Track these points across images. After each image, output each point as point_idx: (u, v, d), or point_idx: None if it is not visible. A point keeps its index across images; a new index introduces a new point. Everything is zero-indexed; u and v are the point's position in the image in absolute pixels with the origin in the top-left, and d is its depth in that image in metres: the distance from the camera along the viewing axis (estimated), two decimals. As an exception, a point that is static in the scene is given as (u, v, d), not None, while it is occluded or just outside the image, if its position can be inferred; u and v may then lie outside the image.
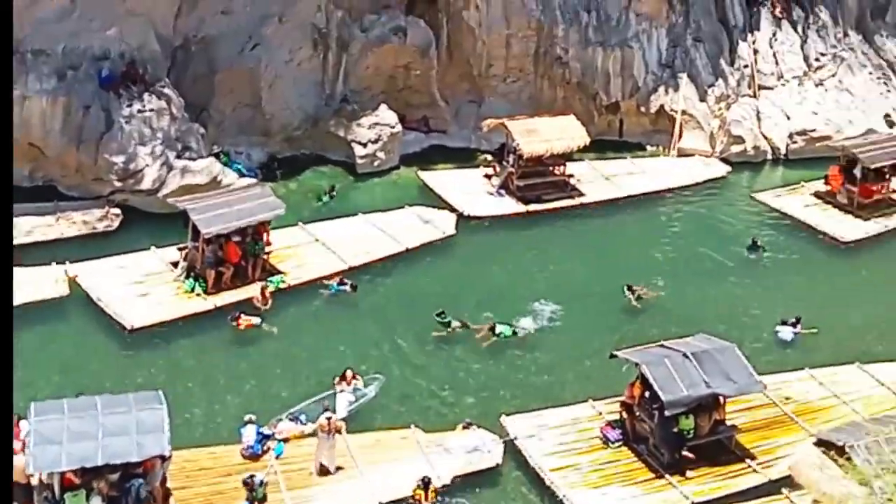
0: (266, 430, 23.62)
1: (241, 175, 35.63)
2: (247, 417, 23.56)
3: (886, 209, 37.65)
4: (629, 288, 30.90)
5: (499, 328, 28.70)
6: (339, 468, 23.18)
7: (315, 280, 30.90)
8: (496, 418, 25.29)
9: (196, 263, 30.03)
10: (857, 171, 37.42)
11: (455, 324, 28.77)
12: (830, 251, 35.49)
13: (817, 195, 38.25)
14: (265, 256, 30.90)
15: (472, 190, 37.41)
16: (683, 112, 41.94)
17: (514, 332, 28.83)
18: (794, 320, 29.96)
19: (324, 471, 23.08)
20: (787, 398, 26.65)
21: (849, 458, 21.56)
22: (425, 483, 22.38)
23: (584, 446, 24.71)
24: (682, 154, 41.81)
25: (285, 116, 38.15)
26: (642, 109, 42.48)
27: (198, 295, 29.33)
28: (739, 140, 41.64)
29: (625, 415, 25.28)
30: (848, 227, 36.31)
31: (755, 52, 43.87)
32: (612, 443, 24.85)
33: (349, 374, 25.81)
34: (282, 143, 38.54)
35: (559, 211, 36.79)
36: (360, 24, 39.37)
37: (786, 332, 29.83)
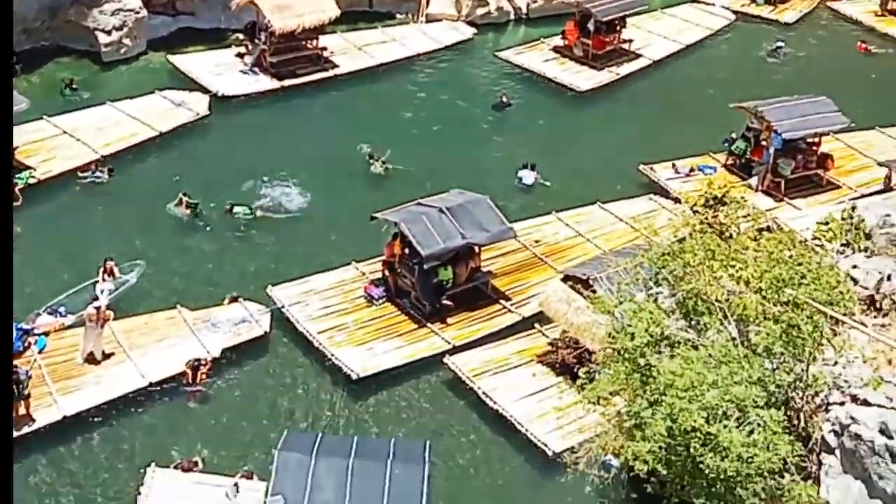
0: (25, 326, 23.23)
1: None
2: (3, 315, 23.06)
3: (618, 59, 39.77)
4: (370, 156, 31.73)
5: (236, 209, 28.88)
6: (107, 355, 23.19)
7: (66, 172, 30.08)
8: (263, 290, 25.75)
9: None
10: (591, 25, 39.24)
11: (193, 202, 28.73)
12: (569, 101, 37.35)
13: (556, 50, 40.02)
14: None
15: (224, 70, 36.89)
16: (429, -22, 42.51)
17: (251, 210, 29.01)
18: (530, 164, 31.77)
19: (91, 359, 23.03)
20: (536, 241, 28.38)
21: (593, 290, 23.22)
22: (195, 367, 22.82)
23: (349, 307, 25.61)
24: (431, 20, 42.53)
25: (21, 9, 36.11)
26: (387, -22, 42.74)
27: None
28: (483, 3, 42.73)
29: (387, 272, 26.29)
30: (583, 78, 38.27)
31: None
32: (376, 300, 25.85)
33: (109, 264, 25.52)
34: (19, 36, 36.51)
35: (314, 84, 36.89)
36: None
37: (528, 177, 31.63)
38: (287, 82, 36.56)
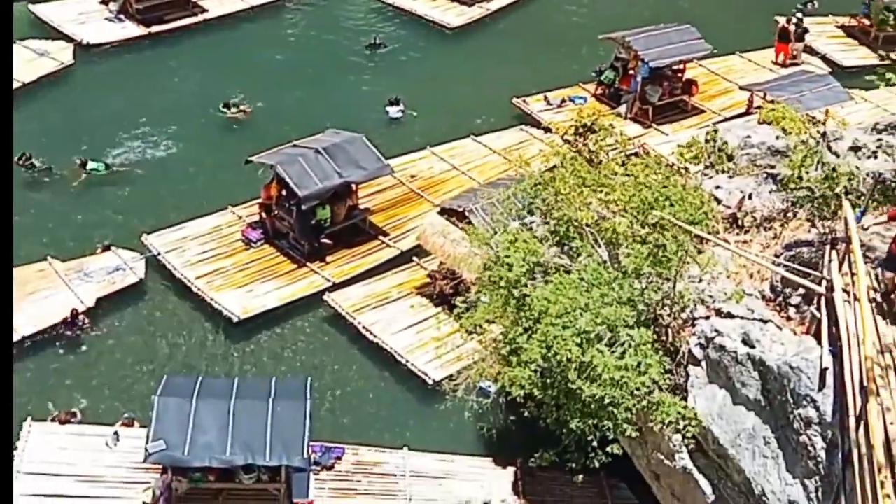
0: None
1: None
2: None
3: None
4: (225, 105, 31.33)
5: (90, 164, 28.20)
6: (-24, 312, 22.59)
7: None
8: (137, 240, 25.34)
9: None
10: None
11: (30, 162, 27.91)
12: (441, 37, 37.31)
13: (446, -13, 39.69)
14: None
15: (88, 18, 35.77)
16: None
17: (107, 167, 28.38)
18: (396, 98, 31.85)
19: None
20: (412, 176, 28.56)
21: (469, 222, 23.52)
22: (71, 319, 22.47)
23: (227, 251, 25.45)
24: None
25: None
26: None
27: None
28: (352, -58, 41.95)
29: (264, 215, 26.13)
30: (454, 14, 38.15)
31: None
32: (255, 243, 25.73)
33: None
34: None
35: (182, 30, 36.07)
36: None
37: (394, 111, 31.75)
38: (154, 28, 35.66)
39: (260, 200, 26.25)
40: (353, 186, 26.39)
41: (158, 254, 25.01)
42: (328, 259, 25.34)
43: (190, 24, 36.36)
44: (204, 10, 37.01)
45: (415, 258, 25.32)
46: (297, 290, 24.41)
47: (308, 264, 25.14)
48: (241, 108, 31.40)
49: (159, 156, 29.27)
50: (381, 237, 26.23)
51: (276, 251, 25.53)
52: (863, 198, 18.59)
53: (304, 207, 25.05)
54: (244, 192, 27.05)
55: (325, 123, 28.59)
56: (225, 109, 31.33)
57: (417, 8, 38.47)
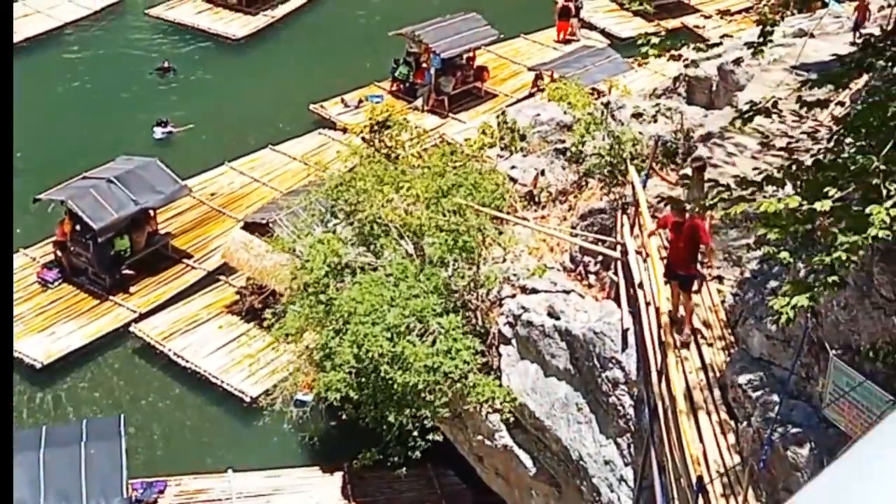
0: None
1: None
2: None
3: (273, 1, 38.96)
4: None
5: None
6: None
7: None
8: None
9: None
10: (239, -31, 38.44)
11: None
12: (228, 50, 36.68)
13: (209, 0, 38.76)
14: None
15: None
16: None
17: None
18: (165, 120, 30.88)
19: None
20: (212, 194, 27.86)
21: (273, 234, 23.07)
22: None
23: (23, 295, 24.22)
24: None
25: None
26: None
27: None
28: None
29: (59, 253, 25.02)
30: (239, 25, 37.53)
31: None
32: (52, 283, 24.61)
33: None
34: None
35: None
36: None
37: (158, 132, 30.74)
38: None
39: (54, 238, 25.11)
40: (152, 212, 25.60)
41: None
42: (132, 290, 24.46)
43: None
44: (-24, 48, 35.13)
45: (222, 276, 24.73)
46: (102, 326, 23.47)
47: (111, 298, 24.20)
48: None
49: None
50: (185, 260, 25.51)
51: (76, 289, 24.48)
52: (647, 161, 19.14)
53: (100, 240, 24.15)
54: (36, 232, 25.83)
55: (116, 153, 27.53)
56: None
57: (200, 22, 37.63)
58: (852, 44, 20.28)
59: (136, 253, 24.99)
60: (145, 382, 22.51)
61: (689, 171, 16.24)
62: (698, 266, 14.48)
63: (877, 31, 14.58)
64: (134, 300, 24.14)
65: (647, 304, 15.16)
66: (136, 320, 23.52)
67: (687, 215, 13.88)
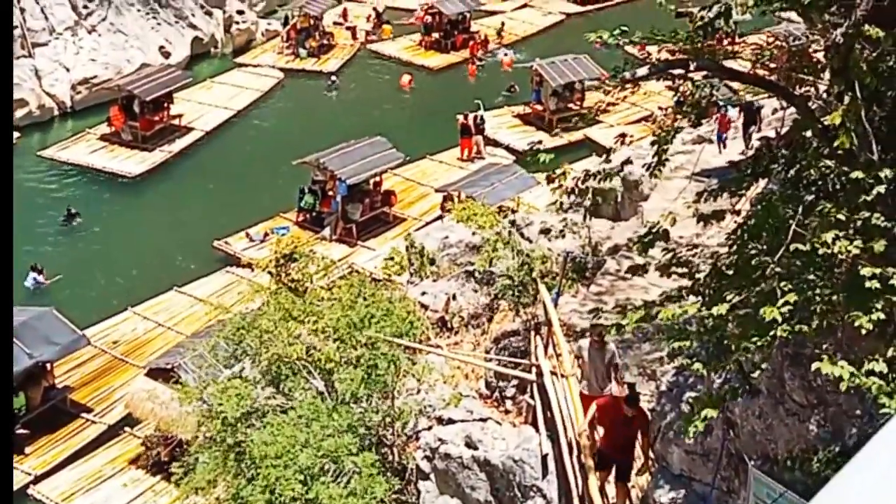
0: None
1: None
2: None
3: (170, 136, 38.58)
4: None
5: None
6: None
7: None
8: None
9: None
10: (136, 107, 37.93)
11: None
12: (124, 188, 35.72)
13: (103, 138, 38.19)
14: None
15: None
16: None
17: None
18: (39, 267, 29.53)
19: None
20: (114, 342, 26.71)
21: (178, 380, 22.07)
22: None
23: None
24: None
25: None
26: None
27: None
28: (23, 103, 39.52)
29: (-50, 417, 23.57)
30: (135, 162, 36.81)
31: (22, 10, 42.00)
32: (-58, 449, 23.07)
33: None
34: None
35: None
36: None
37: (29, 279, 29.24)
38: None
39: (-56, 402, 23.67)
40: (48, 366, 24.35)
41: None
42: (27, 450, 22.96)
43: None
44: None
45: (126, 428, 23.48)
46: (-5, 494, 21.95)
47: (4, 460, 22.73)
48: None
49: None
50: (84, 414, 24.15)
51: (-35, 457, 22.96)
52: (557, 278, 18.78)
53: (-6, 399, 22.76)
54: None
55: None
56: None
57: (94, 161, 36.79)
58: (742, 153, 20.49)
59: (32, 410, 23.60)
60: (46, 549, 21.01)
61: (586, 342, 15.59)
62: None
63: (772, 134, 14.63)
64: (30, 461, 22.67)
65: (565, 425, 14.58)
66: (33, 482, 22.06)
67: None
